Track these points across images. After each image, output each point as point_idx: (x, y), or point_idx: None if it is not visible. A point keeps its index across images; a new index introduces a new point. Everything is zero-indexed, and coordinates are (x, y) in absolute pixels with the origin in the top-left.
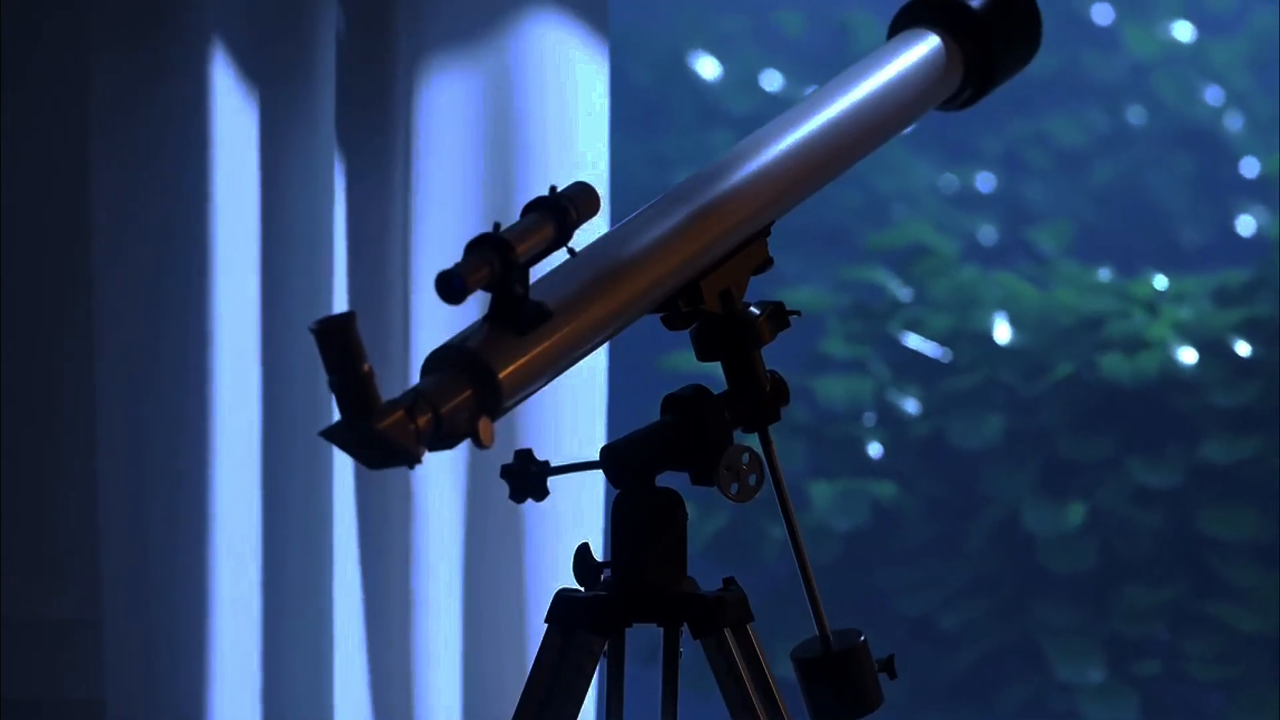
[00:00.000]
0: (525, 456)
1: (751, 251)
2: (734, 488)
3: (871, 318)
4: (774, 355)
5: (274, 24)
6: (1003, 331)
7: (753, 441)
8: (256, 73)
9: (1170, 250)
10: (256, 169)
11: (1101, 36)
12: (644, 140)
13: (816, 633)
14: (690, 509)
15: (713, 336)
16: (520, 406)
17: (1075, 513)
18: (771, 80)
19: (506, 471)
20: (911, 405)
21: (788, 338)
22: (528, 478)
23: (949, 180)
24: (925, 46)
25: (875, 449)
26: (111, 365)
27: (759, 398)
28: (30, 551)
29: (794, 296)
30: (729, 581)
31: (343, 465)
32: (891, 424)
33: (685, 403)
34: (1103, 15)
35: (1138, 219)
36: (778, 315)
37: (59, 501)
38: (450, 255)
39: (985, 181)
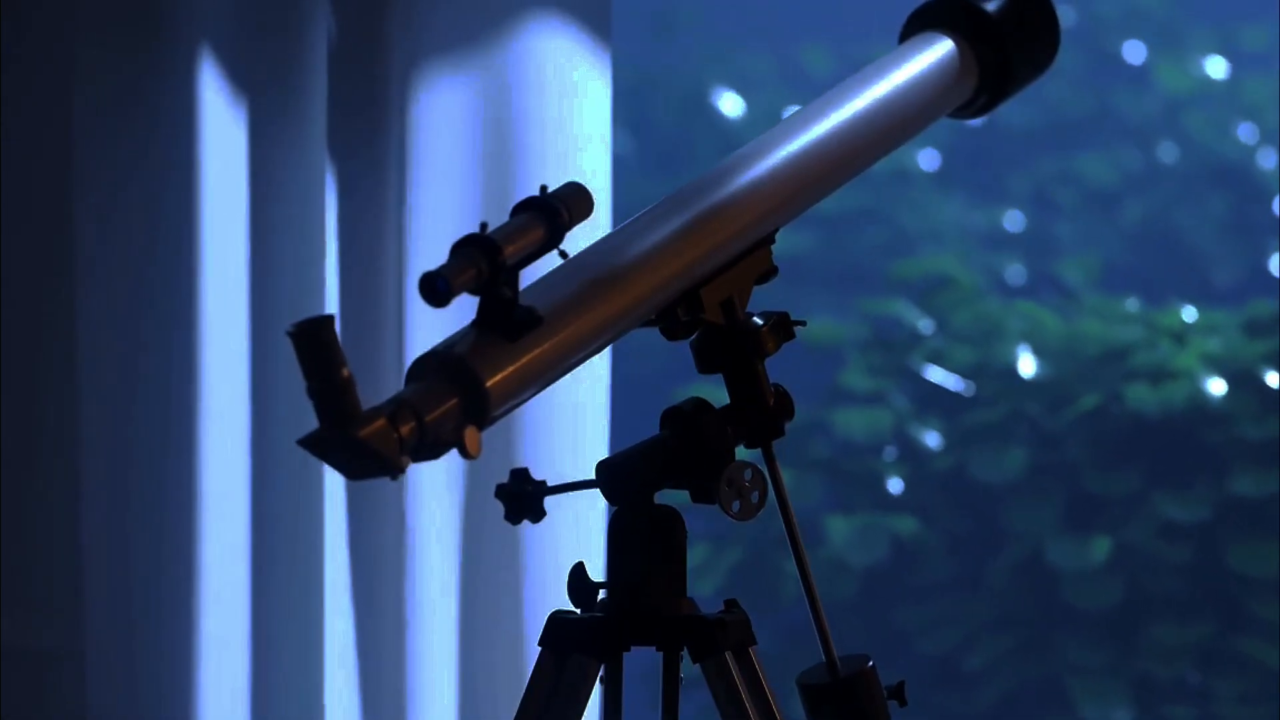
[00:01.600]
0: (521, 476)
1: (755, 259)
2: (736, 505)
3: (892, 350)
4: (791, 387)
5: (263, 30)
6: (1027, 364)
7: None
8: (245, 80)
9: (1201, 288)
10: (245, 179)
11: (1134, 75)
12: (665, 178)
13: (823, 658)
14: (704, 547)
15: (714, 348)
16: (519, 423)
17: (1100, 548)
18: None
19: (502, 492)
20: (933, 439)
21: (806, 370)
22: (524, 498)
23: (977, 219)
24: (938, 51)
25: (895, 484)
26: (95, 386)
27: (762, 412)
28: (9, 580)
29: (812, 328)
30: (731, 603)
31: (334, 486)
32: (912, 458)
33: (685, 416)
34: (1135, 54)
35: (1168, 257)
36: (782, 325)
37: (40, 529)
38: None
39: (1014, 220)
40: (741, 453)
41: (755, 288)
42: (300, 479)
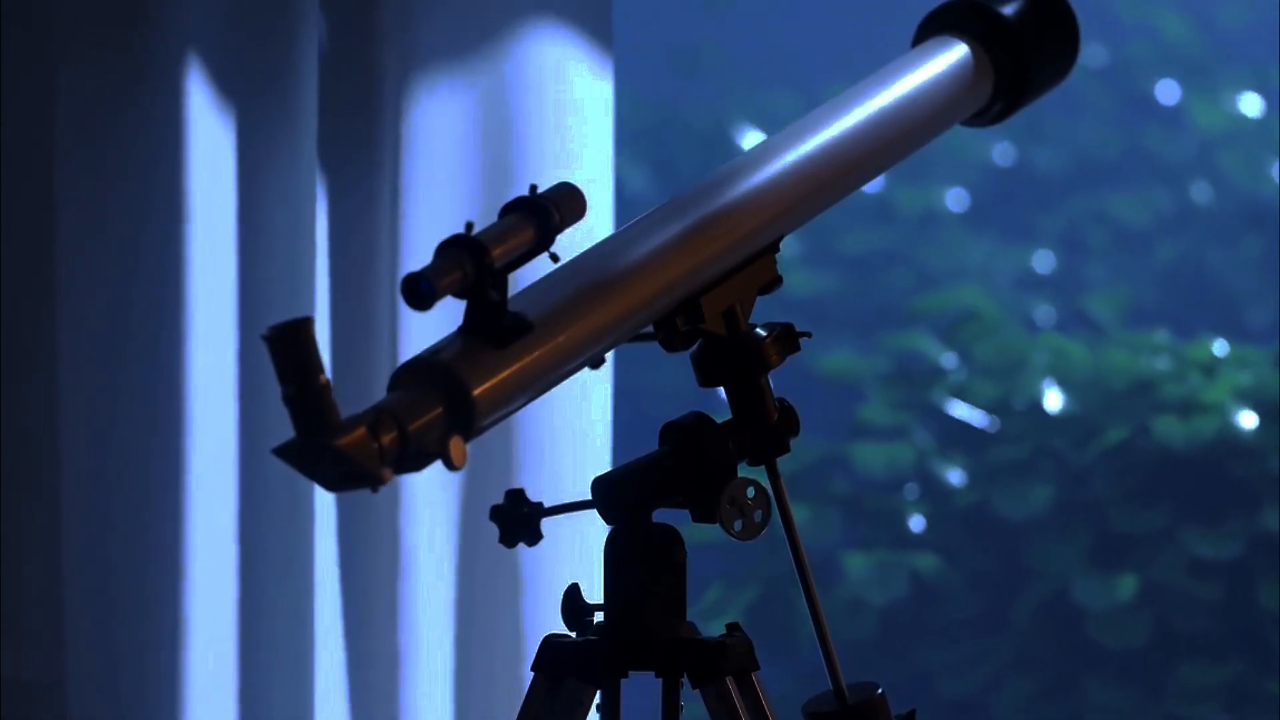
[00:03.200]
0: (517, 497)
1: (758, 267)
2: (738, 524)
3: (914, 384)
4: (810, 421)
5: (252, 34)
6: (1053, 399)
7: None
8: (234, 85)
9: (1233, 326)
10: (234, 186)
11: (1167, 115)
12: None
13: (830, 685)
14: (719, 587)
15: (715, 360)
16: (518, 438)
17: (1127, 586)
18: None
19: (496, 513)
20: (955, 475)
21: (825, 404)
22: (519, 520)
23: (1006, 260)
24: (952, 55)
25: (917, 522)
26: (75, 405)
27: (766, 427)
28: None
29: (832, 362)
30: (733, 626)
31: (324, 506)
32: (933, 494)
33: (685, 431)
34: (1167, 94)
35: (1200, 296)
36: (787, 337)
37: (19, 557)
38: None
39: (1043, 262)
40: (745, 470)
41: (760, 298)
42: (290, 499)
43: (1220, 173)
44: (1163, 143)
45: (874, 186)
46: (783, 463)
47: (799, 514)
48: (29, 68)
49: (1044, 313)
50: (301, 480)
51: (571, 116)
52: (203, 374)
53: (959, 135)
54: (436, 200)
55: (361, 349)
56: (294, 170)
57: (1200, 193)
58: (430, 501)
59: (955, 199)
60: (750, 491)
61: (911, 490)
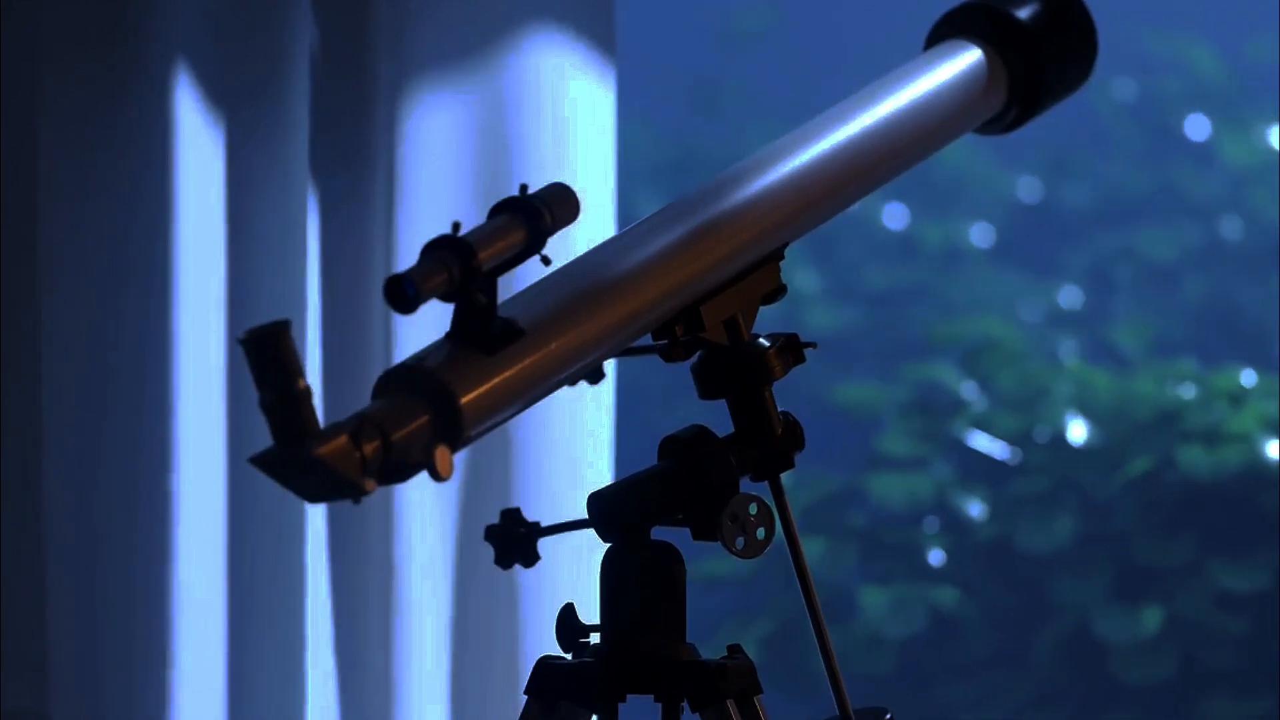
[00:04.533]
0: (512, 516)
1: (762, 276)
2: (739, 542)
3: (934, 415)
4: (827, 452)
5: (241, 41)
6: (1077, 430)
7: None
8: (222, 93)
9: (1261, 358)
10: (223, 196)
11: (1196, 151)
12: None
13: (837, 711)
14: (731, 624)
15: (717, 371)
16: (513, 458)
17: (1152, 619)
18: None
19: (491, 534)
20: (975, 507)
21: (842, 434)
22: (515, 540)
23: (1032, 296)
24: (965, 60)
25: (936, 555)
26: (59, 422)
27: (769, 442)
28: None
29: (849, 392)
30: (734, 648)
31: (316, 531)
32: (953, 527)
33: (685, 445)
34: (1197, 129)
35: (1229, 331)
36: (791, 348)
37: (1, 582)
38: None
39: (1070, 297)
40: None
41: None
42: (279, 520)
43: (1250, 208)
44: (1192, 178)
45: (897, 222)
46: (798, 495)
47: (814, 547)
48: (12, 75)
49: (1069, 347)
50: (290, 500)
51: (571, 125)
52: (190, 389)
53: (984, 169)
54: (431, 211)
55: (354, 364)
56: (285, 180)
57: (1230, 228)
58: (424, 521)
59: (980, 234)
60: (753, 508)
61: (931, 524)
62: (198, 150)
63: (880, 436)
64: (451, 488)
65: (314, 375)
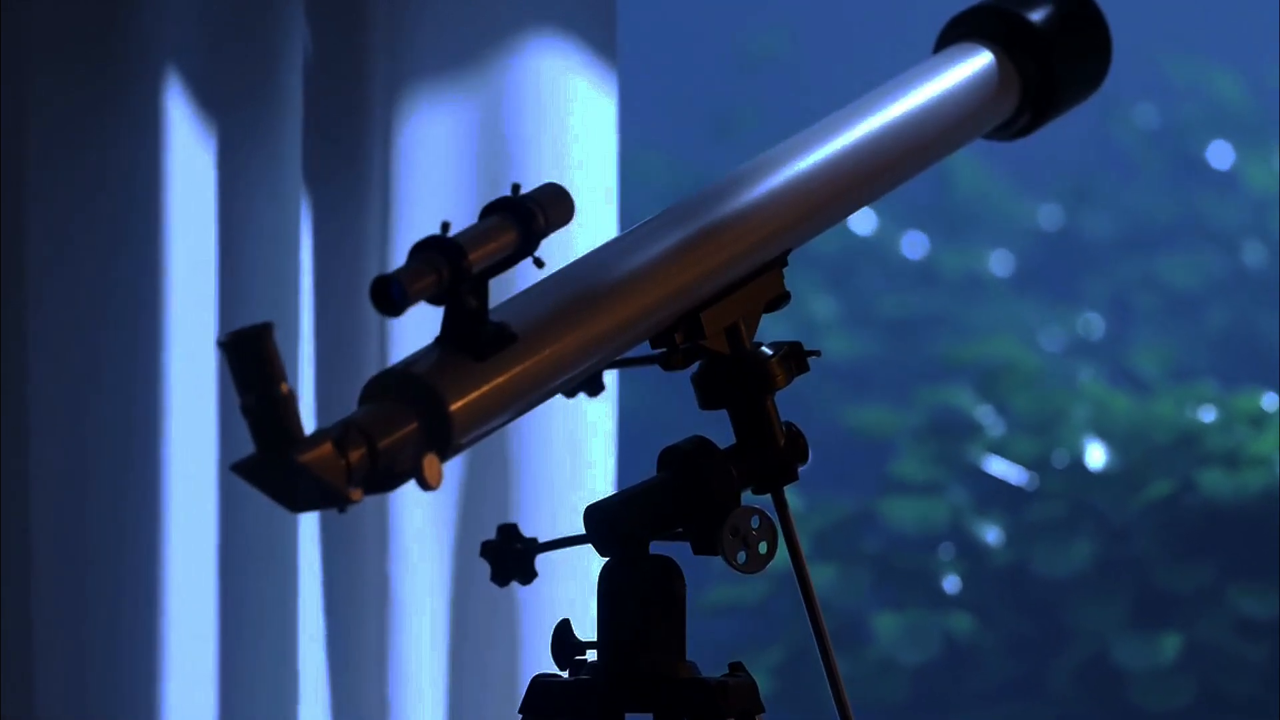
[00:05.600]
0: (509, 532)
1: (764, 282)
2: (741, 556)
3: (949, 439)
4: (839, 476)
5: (233, 45)
6: (1096, 454)
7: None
8: (214, 99)
9: None
10: (214, 205)
11: (1219, 178)
12: None
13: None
14: (746, 659)
15: (718, 380)
16: (509, 472)
17: (1171, 646)
18: (861, 220)
19: (488, 550)
20: (991, 533)
21: (854, 458)
22: (512, 557)
23: (1053, 324)
24: (975, 63)
25: (951, 582)
26: (46, 435)
27: (772, 454)
28: None
29: (862, 416)
30: (736, 666)
31: (308, 544)
32: (968, 552)
33: (685, 457)
34: (1220, 156)
35: (1251, 357)
36: (794, 356)
37: None
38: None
39: (1091, 326)
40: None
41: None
42: (270, 537)
43: (1273, 234)
44: (1214, 205)
45: (915, 251)
46: (810, 519)
47: (827, 572)
48: (2, 79)
49: (1088, 373)
50: (282, 516)
51: (573, 131)
52: (181, 399)
53: (1004, 197)
54: (428, 219)
55: (348, 374)
56: (278, 188)
57: (1253, 255)
58: (420, 537)
59: (1000, 262)
60: (755, 521)
61: (946, 549)
62: (189, 155)
63: (894, 460)
64: (448, 503)
65: (307, 385)
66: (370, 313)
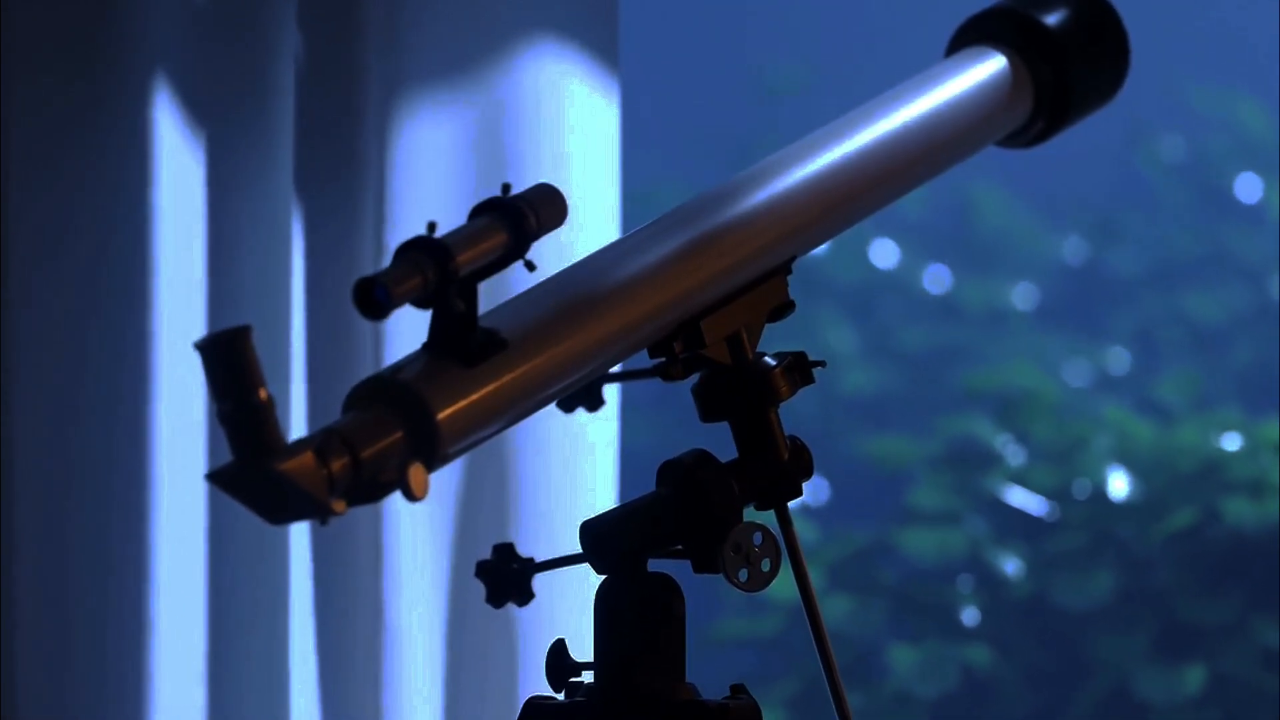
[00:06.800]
0: (506, 552)
1: (768, 289)
2: (743, 574)
3: (967, 468)
4: (855, 506)
5: (223, 48)
6: (1118, 483)
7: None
8: (203, 104)
9: None
10: (203, 213)
11: (1246, 211)
12: None
13: None
14: (760, 692)
15: (719, 392)
16: (507, 490)
17: (1194, 679)
18: (883, 253)
19: (483, 570)
20: (1011, 564)
21: (871, 488)
22: (508, 577)
23: (1078, 358)
24: (988, 67)
25: (970, 614)
26: (29, 444)
27: (775, 468)
28: None
29: (879, 445)
30: (738, 688)
31: (300, 572)
32: (987, 583)
33: (685, 471)
34: (1248, 189)
35: (1277, 391)
36: (799, 367)
37: None
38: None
39: (1116, 360)
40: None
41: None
42: (261, 553)
43: None
44: (1242, 239)
45: (938, 285)
46: (826, 550)
47: (842, 604)
48: None
49: (1112, 406)
50: (273, 537)
51: (574, 137)
52: (168, 412)
53: (1028, 230)
54: (423, 227)
55: (342, 387)
56: (268, 196)
57: None
58: (415, 558)
59: (1024, 296)
60: (757, 538)
61: (965, 581)
62: (177, 161)
63: (911, 490)
64: (444, 521)
65: (299, 397)
66: (364, 324)
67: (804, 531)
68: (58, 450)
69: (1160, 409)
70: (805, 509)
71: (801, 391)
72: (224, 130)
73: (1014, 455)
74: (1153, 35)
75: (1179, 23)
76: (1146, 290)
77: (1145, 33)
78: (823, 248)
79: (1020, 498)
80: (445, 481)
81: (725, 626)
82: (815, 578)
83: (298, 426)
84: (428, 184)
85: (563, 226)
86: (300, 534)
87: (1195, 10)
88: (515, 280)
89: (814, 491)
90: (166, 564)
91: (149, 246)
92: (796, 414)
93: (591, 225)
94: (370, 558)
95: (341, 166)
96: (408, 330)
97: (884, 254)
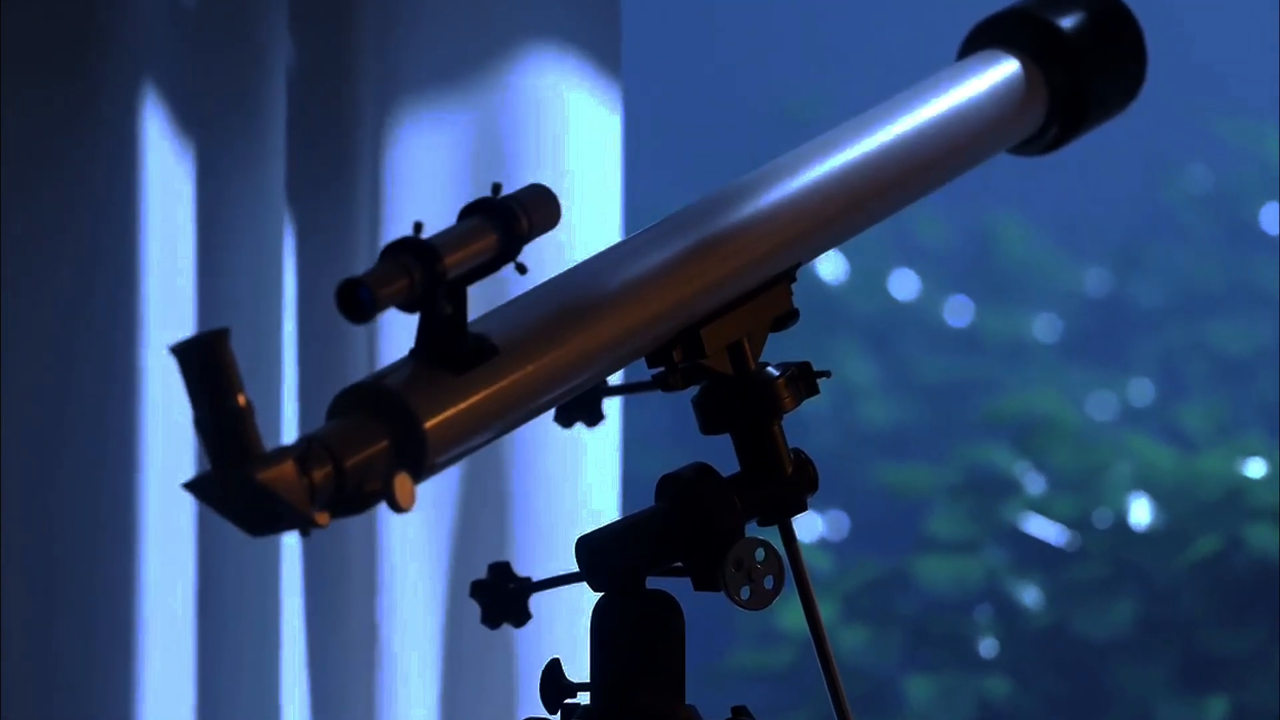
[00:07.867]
0: (502, 571)
1: (771, 297)
2: (745, 591)
3: (985, 496)
4: (871, 535)
5: (213, 55)
6: (1140, 512)
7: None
8: (192, 113)
9: None
10: (192, 223)
11: (1271, 242)
12: None
13: None
14: (769, 718)
15: (720, 403)
16: (504, 508)
17: (1217, 710)
18: (903, 283)
19: (478, 590)
20: (1029, 594)
21: (887, 516)
22: (504, 597)
23: (1101, 390)
24: (1001, 71)
25: (988, 645)
26: (15, 454)
27: (778, 481)
28: None
29: (896, 473)
30: (740, 711)
31: (291, 590)
32: (1006, 614)
33: (685, 485)
34: (1272, 220)
35: None
36: (803, 377)
37: None
38: None
39: (1139, 391)
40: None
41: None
42: (254, 566)
43: None
44: (1266, 269)
45: (959, 316)
46: (841, 581)
47: (858, 635)
48: None
49: (1136, 436)
50: (264, 557)
51: (575, 149)
52: (157, 425)
53: (1051, 261)
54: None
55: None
56: (260, 203)
57: None
58: (410, 576)
59: (1046, 327)
60: (760, 554)
61: (983, 611)
62: (166, 167)
63: (928, 519)
64: (439, 539)
65: (290, 410)
66: (357, 333)
67: (820, 562)
68: (46, 456)
69: (1183, 437)
70: (823, 542)
71: (820, 423)
72: (215, 136)
73: (1033, 483)
74: (1179, 65)
75: (1203, 54)
76: (1170, 321)
77: (1170, 64)
78: (842, 277)
79: (1040, 527)
80: (441, 498)
81: (736, 658)
82: (831, 608)
83: (290, 436)
84: (424, 193)
85: (558, 230)
86: (292, 556)
87: (1220, 42)
88: (513, 286)
89: (833, 523)
90: (154, 572)
91: (138, 254)
92: (814, 445)
93: (593, 237)
94: (364, 578)
95: (335, 173)
96: (405, 338)
97: (904, 285)
